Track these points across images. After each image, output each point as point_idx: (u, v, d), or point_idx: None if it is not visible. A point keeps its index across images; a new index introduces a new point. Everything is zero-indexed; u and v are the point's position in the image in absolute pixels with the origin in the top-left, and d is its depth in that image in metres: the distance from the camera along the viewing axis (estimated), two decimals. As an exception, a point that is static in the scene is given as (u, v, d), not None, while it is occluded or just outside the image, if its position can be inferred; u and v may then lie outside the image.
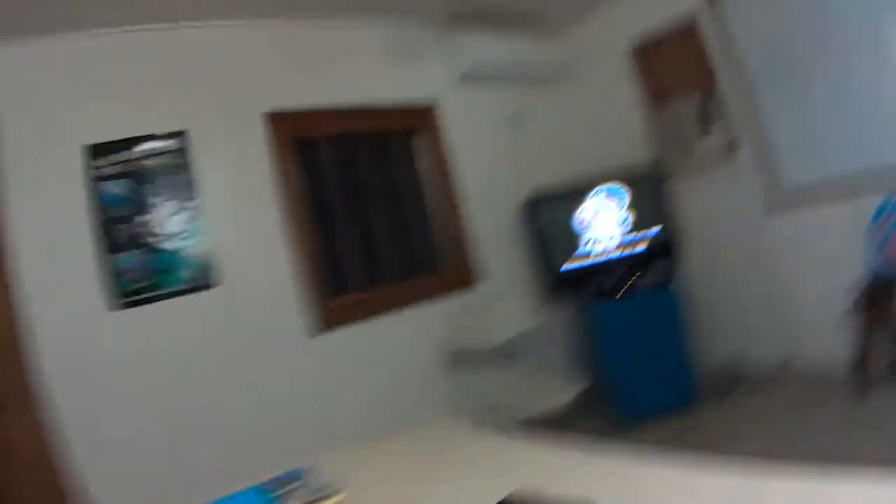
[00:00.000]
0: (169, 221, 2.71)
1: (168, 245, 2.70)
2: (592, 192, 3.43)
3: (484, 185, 3.60)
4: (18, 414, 2.46)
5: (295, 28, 3.12)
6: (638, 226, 3.43)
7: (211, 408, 2.68)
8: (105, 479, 2.43)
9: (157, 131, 2.72)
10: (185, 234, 2.73)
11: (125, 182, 2.64)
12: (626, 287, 3.33)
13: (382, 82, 3.36)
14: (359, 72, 3.30)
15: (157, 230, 2.69)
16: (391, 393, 3.07)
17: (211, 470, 2.48)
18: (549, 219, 3.45)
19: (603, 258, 3.42)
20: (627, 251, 3.42)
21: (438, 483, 1.34)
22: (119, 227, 2.61)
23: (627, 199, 3.43)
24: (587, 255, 3.43)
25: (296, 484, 1.31)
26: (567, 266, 3.42)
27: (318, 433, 2.79)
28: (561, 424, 2.82)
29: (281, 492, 1.30)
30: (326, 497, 1.25)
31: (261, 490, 1.31)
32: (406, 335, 3.20)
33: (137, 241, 2.64)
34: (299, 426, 2.80)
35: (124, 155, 2.65)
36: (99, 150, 2.61)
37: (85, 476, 2.42)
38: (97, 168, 2.60)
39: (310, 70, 3.13)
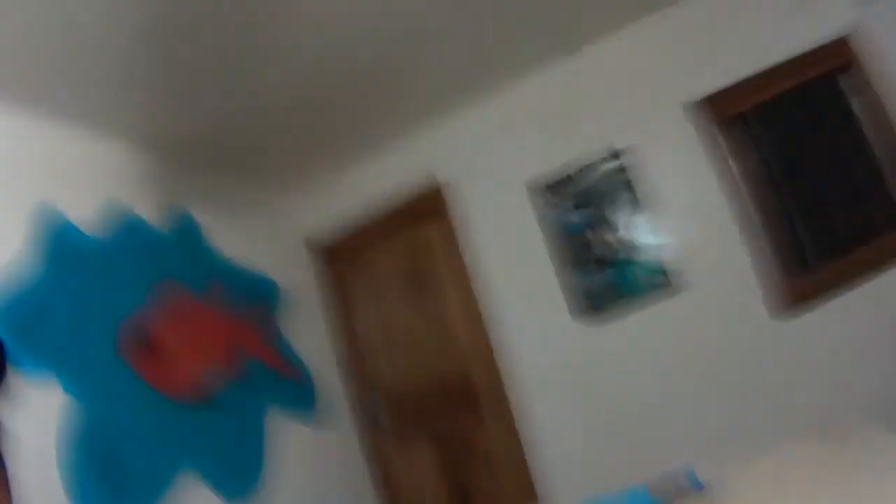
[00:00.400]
0: (625, 234, 2.84)
1: (628, 257, 2.83)
2: None
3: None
4: (494, 420, 3.03)
5: (686, 12, 2.92)
6: None
7: (670, 410, 2.74)
8: (559, 472, 2.89)
9: (591, 152, 2.92)
10: (643, 245, 2.82)
11: (572, 203, 2.92)
12: None
13: (781, 36, 2.88)
14: (762, 30, 2.86)
15: (614, 244, 2.85)
16: (855, 384, 2.53)
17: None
18: None
19: None
20: None
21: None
22: (577, 246, 2.89)
23: None
24: None
25: (682, 492, 1.27)
26: None
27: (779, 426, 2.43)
28: None
29: (664, 499, 1.27)
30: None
31: (646, 493, 1.31)
32: (874, 314, 2.58)
33: (597, 257, 2.87)
34: (757, 421, 2.58)
35: (564, 181, 2.94)
36: (542, 182, 2.98)
37: (545, 472, 2.91)
38: (544, 197, 2.98)
39: (714, 49, 2.89)
